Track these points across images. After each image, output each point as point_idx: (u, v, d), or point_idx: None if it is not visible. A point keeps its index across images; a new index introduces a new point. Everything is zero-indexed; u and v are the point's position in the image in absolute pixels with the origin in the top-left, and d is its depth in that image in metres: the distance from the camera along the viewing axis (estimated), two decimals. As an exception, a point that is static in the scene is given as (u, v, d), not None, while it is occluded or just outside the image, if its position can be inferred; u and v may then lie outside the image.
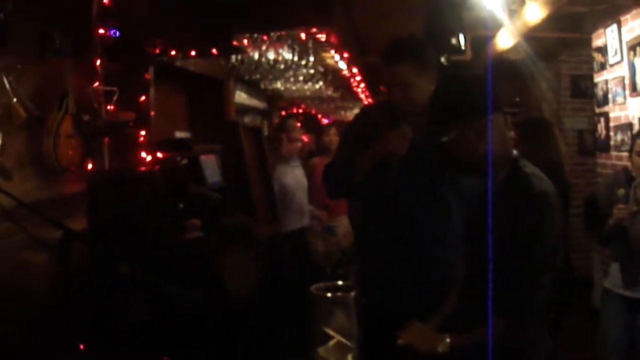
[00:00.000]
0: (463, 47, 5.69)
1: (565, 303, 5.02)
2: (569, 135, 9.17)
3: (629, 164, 4.86)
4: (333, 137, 7.40)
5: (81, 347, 3.30)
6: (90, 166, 4.22)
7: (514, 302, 2.52)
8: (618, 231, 4.57)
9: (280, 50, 5.68)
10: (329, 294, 2.93)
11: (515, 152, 2.80)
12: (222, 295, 3.92)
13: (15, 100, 3.45)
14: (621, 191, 4.57)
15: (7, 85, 3.40)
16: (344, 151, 3.72)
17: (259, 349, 3.89)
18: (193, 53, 5.06)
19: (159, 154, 4.83)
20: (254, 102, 8.37)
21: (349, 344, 3.01)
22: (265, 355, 3.78)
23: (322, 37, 5.30)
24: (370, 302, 3.45)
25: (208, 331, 3.75)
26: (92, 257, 3.81)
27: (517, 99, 10.42)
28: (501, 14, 6.12)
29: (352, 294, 2.91)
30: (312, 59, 5.93)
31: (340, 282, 3.04)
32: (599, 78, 7.95)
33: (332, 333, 3.03)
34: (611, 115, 7.54)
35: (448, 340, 2.68)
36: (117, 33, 4.50)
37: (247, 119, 8.39)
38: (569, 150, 8.71)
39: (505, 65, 8.49)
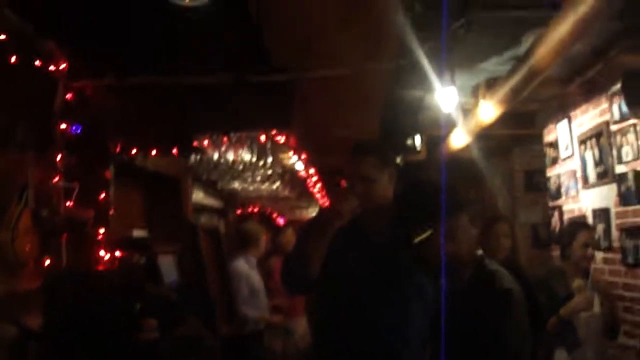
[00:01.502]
0: (418, 148, 5.79)
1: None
2: (524, 229, 9.28)
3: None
4: (289, 238, 7.39)
5: None
6: (47, 262, 4.17)
7: None
8: (567, 321, 4.63)
9: (240, 151, 5.72)
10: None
11: (480, 250, 2.85)
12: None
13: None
14: (578, 282, 4.63)
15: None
16: (299, 245, 3.72)
17: None
18: (154, 152, 5.08)
19: (117, 253, 4.77)
20: (211, 201, 8.37)
21: None
22: None
23: (282, 139, 5.36)
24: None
25: None
26: (47, 355, 3.73)
27: (471, 195, 10.57)
28: (456, 114, 6.23)
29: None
30: (270, 159, 5.98)
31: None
32: (551, 172, 8.10)
33: None
34: (564, 208, 7.65)
35: None
36: (79, 129, 4.52)
37: (203, 218, 8.35)
38: (523, 244, 8.86)
39: (458, 163, 8.63)
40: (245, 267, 6.67)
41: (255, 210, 10.43)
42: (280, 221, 11.24)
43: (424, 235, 2.70)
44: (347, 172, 3.60)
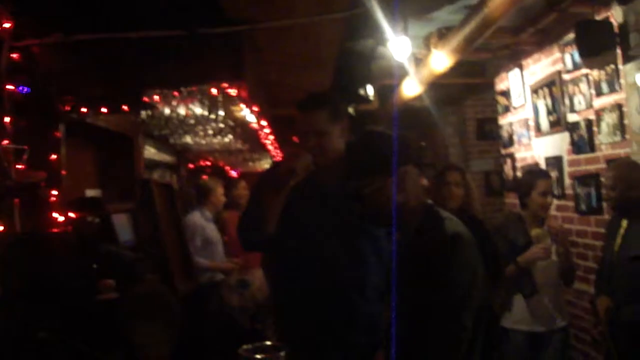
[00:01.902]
0: (371, 97, 5.79)
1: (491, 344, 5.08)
2: (476, 177, 9.39)
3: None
4: (242, 191, 7.39)
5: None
6: (0, 228, 4.09)
7: (434, 346, 2.55)
8: (525, 268, 4.70)
9: (191, 105, 5.65)
10: (258, 356, 2.88)
11: (429, 199, 2.86)
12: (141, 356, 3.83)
13: None
14: (537, 231, 4.69)
15: None
16: (255, 201, 3.70)
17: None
18: (104, 110, 4.99)
19: (71, 214, 4.72)
20: (163, 157, 8.31)
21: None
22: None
23: (233, 91, 5.29)
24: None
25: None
26: (6, 322, 3.69)
27: (423, 144, 10.64)
28: (408, 64, 6.23)
29: (282, 353, 2.87)
30: (221, 113, 5.92)
31: (269, 343, 3.00)
32: (503, 120, 8.19)
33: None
34: (517, 155, 7.77)
35: None
36: (27, 89, 4.41)
37: (156, 174, 8.29)
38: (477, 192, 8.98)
39: (410, 113, 8.67)
40: (200, 219, 6.71)
41: (208, 163, 10.39)
42: (234, 174, 11.22)
43: (372, 187, 2.70)
44: (298, 127, 3.58)
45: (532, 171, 5.84)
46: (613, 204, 4.75)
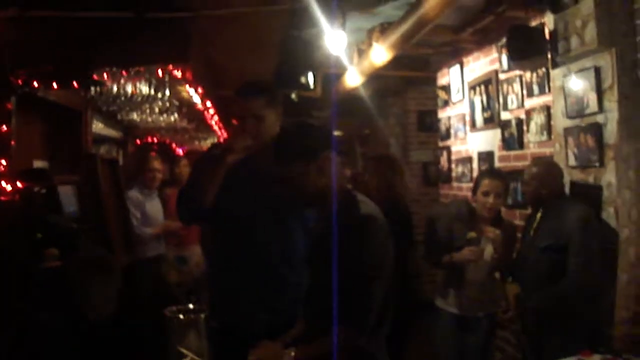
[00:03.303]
0: (312, 86, 6.02)
1: (406, 323, 5.40)
2: (415, 167, 9.67)
3: (468, 194, 5.27)
4: (184, 169, 7.57)
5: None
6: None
7: (348, 311, 2.84)
8: (457, 263, 5.01)
9: (138, 84, 5.82)
10: (181, 316, 3.16)
11: (349, 185, 3.16)
12: (82, 321, 4.02)
13: None
14: (472, 234, 4.93)
15: None
16: (194, 177, 3.96)
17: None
18: (55, 85, 5.15)
19: (18, 184, 4.87)
20: (111, 132, 8.39)
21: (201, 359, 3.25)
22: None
23: (179, 73, 5.49)
24: (222, 325, 3.70)
25: (70, 354, 3.85)
26: None
27: (367, 131, 10.89)
28: (348, 56, 6.48)
29: (203, 315, 3.14)
30: (167, 92, 6.10)
31: (191, 305, 3.27)
32: (442, 114, 8.48)
33: (185, 352, 3.26)
34: (453, 149, 8.07)
35: (293, 353, 2.96)
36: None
37: (103, 149, 8.40)
38: (414, 181, 9.26)
39: (355, 101, 8.92)
40: (138, 195, 6.89)
41: (155, 140, 10.48)
42: (179, 151, 11.33)
43: (296, 171, 3.00)
44: (237, 111, 3.85)
45: (482, 171, 6.15)
46: (527, 198, 5.11)
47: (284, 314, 3.46)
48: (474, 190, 5.14)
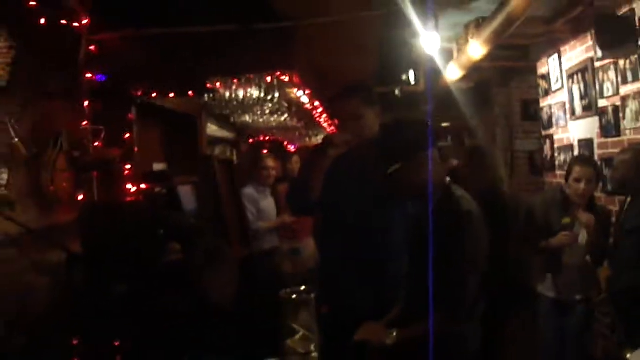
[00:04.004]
0: (413, 81, 6.25)
1: (508, 309, 5.57)
2: (521, 156, 9.65)
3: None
4: (295, 165, 7.91)
5: None
6: (81, 197, 4.70)
7: (444, 300, 3.09)
8: (554, 249, 5.19)
9: (249, 89, 6.15)
10: (294, 296, 3.51)
11: (448, 178, 3.39)
12: (204, 307, 4.36)
13: (16, 140, 3.93)
14: (566, 220, 5.14)
15: (10, 127, 3.87)
16: (302, 171, 4.27)
17: (239, 345, 4.32)
18: (172, 95, 5.55)
19: (142, 186, 5.27)
20: (224, 134, 8.76)
21: (312, 336, 3.59)
22: (245, 349, 4.20)
23: (286, 78, 5.81)
24: (331, 308, 4.01)
25: (196, 336, 4.20)
26: (87, 279, 4.26)
27: (445, 125, 10.89)
28: (445, 52, 6.66)
29: (313, 295, 3.47)
30: (277, 95, 6.42)
31: (303, 287, 3.61)
32: (544, 103, 8.51)
33: (297, 328, 3.61)
34: (555, 137, 8.10)
35: (394, 334, 3.24)
36: (103, 77, 4.99)
37: (217, 150, 8.76)
38: (520, 171, 9.27)
39: (457, 95, 9.04)
40: (253, 192, 7.23)
41: (268, 138, 10.78)
42: (292, 148, 11.62)
43: (395, 167, 3.25)
44: (337, 112, 4.15)
45: (574, 157, 6.22)
46: (615, 184, 5.22)
47: (385, 299, 3.69)
48: (567, 177, 5.28)
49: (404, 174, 3.25)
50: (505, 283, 4.53)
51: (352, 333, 3.39)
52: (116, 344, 3.74)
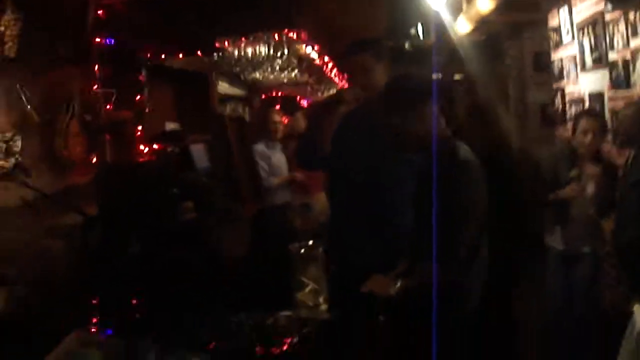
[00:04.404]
0: (421, 36, 6.26)
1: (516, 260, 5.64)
2: (532, 108, 9.61)
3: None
4: (300, 121, 7.84)
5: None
6: (95, 160, 4.80)
7: (443, 248, 3.17)
8: (562, 200, 5.25)
9: (257, 47, 6.20)
10: (302, 250, 3.61)
11: (449, 132, 3.45)
12: (217, 262, 4.49)
13: (29, 107, 4.01)
14: (574, 172, 5.16)
15: (22, 95, 3.95)
16: (310, 127, 4.33)
17: (251, 299, 4.43)
18: (180, 55, 5.59)
19: (154, 146, 5.34)
20: (235, 91, 8.81)
21: (320, 289, 3.72)
22: (256, 303, 4.31)
23: (294, 35, 5.84)
24: (339, 263, 4.10)
25: (209, 288, 4.31)
26: (102, 237, 4.37)
27: (457, 77, 10.85)
28: (454, 5, 6.65)
29: (320, 249, 3.56)
30: (286, 51, 6.46)
31: (311, 242, 3.71)
32: (555, 55, 8.40)
33: (306, 281, 3.74)
34: (566, 90, 8.01)
35: (398, 284, 3.34)
36: (112, 41, 5.04)
37: (229, 107, 8.81)
38: (532, 122, 9.25)
39: (467, 48, 9.01)
40: (265, 148, 7.25)
41: (279, 95, 10.80)
42: (304, 103, 11.64)
43: (402, 119, 3.33)
44: (348, 67, 4.20)
45: (582, 110, 6.26)
46: (620, 138, 5.25)
47: (392, 253, 3.73)
48: (573, 130, 5.31)
49: (408, 125, 3.32)
50: (515, 236, 4.59)
51: (360, 286, 3.44)
52: (133, 302, 3.81)
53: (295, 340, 3.22)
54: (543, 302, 5.56)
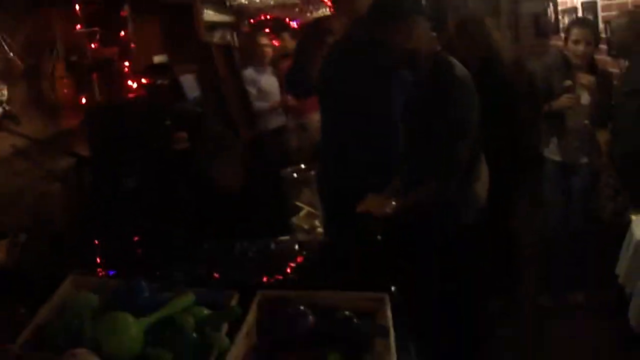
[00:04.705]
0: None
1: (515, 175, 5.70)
2: (526, 18, 9.48)
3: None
4: (288, 42, 7.99)
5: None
6: (84, 100, 4.83)
7: (438, 165, 3.28)
8: (556, 111, 5.29)
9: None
10: (295, 174, 3.66)
11: (438, 47, 3.45)
12: (214, 190, 4.56)
13: (11, 54, 4.04)
14: (567, 82, 5.19)
15: (3, 42, 3.98)
16: (298, 55, 4.33)
17: (248, 225, 4.51)
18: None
19: (143, 80, 5.34)
20: (222, 17, 8.74)
21: (315, 212, 3.79)
22: (253, 228, 4.39)
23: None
24: (331, 182, 4.17)
25: (207, 217, 4.40)
26: (96, 177, 4.44)
27: None
28: None
29: (312, 172, 3.60)
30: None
31: (303, 165, 3.75)
32: (546, -37, 8.35)
33: (301, 205, 3.82)
34: (559, -1, 8.01)
35: (394, 202, 3.40)
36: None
37: (217, 35, 8.78)
38: (526, 33, 9.17)
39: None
40: (252, 73, 7.33)
41: (269, 17, 10.72)
42: (294, 24, 11.55)
43: (389, 32, 3.34)
44: None
45: (572, 19, 6.22)
46: (613, 46, 5.24)
47: (385, 170, 3.77)
48: (565, 39, 5.33)
49: (395, 38, 3.33)
50: (512, 148, 4.64)
51: (355, 206, 3.50)
52: (134, 239, 3.88)
53: (294, 265, 3.29)
54: (542, 215, 5.65)
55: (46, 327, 2.28)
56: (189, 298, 2.31)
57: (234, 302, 2.39)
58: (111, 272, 3.18)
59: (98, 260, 3.48)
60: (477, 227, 3.52)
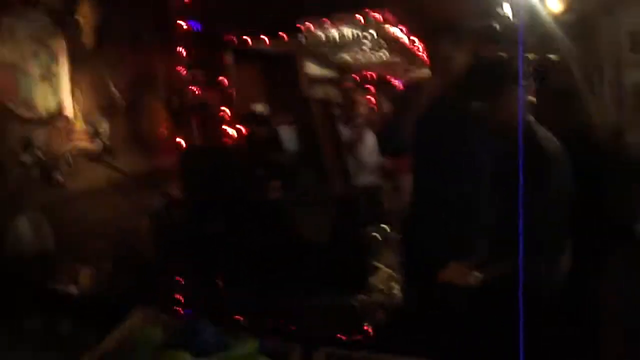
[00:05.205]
0: (511, 16, 6.12)
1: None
2: (629, 90, 9.20)
3: None
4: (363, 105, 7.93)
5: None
6: (181, 142, 4.90)
7: (530, 241, 3.14)
8: None
9: (342, 28, 6.19)
10: (377, 235, 3.62)
11: (531, 117, 3.39)
12: (298, 241, 4.54)
13: (115, 91, 4.15)
14: None
15: (107, 81, 4.09)
16: (393, 116, 4.32)
17: (327, 281, 4.48)
18: (263, 37, 5.65)
19: (241, 127, 5.42)
20: (325, 72, 8.83)
21: (394, 274, 3.72)
22: (332, 284, 4.35)
23: (379, 16, 5.82)
24: (416, 249, 4.09)
25: (290, 268, 4.38)
26: (188, 219, 4.49)
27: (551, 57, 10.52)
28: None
29: (395, 233, 3.56)
30: (372, 32, 6.44)
31: (387, 227, 3.71)
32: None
33: (379, 266, 3.75)
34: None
35: (477, 274, 3.31)
36: (198, 26, 5.13)
37: (319, 89, 8.86)
38: (628, 105, 8.94)
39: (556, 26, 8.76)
40: (352, 130, 7.21)
41: (373, 75, 10.76)
42: (397, 83, 11.56)
43: (479, 105, 3.28)
44: (428, 53, 4.16)
45: None
46: None
47: (471, 240, 3.71)
48: None
49: (490, 111, 3.27)
50: (602, 222, 4.49)
51: (435, 273, 3.46)
52: (217, 281, 3.90)
53: (372, 325, 3.24)
54: (633, 295, 5.42)
55: (110, 355, 2.28)
56: (253, 345, 2.28)
57: (295, 356, 2.35)
58: (188, 311, 3.19)
59: (177, 297, 3.49)
60: (563, 304, 3.42)
